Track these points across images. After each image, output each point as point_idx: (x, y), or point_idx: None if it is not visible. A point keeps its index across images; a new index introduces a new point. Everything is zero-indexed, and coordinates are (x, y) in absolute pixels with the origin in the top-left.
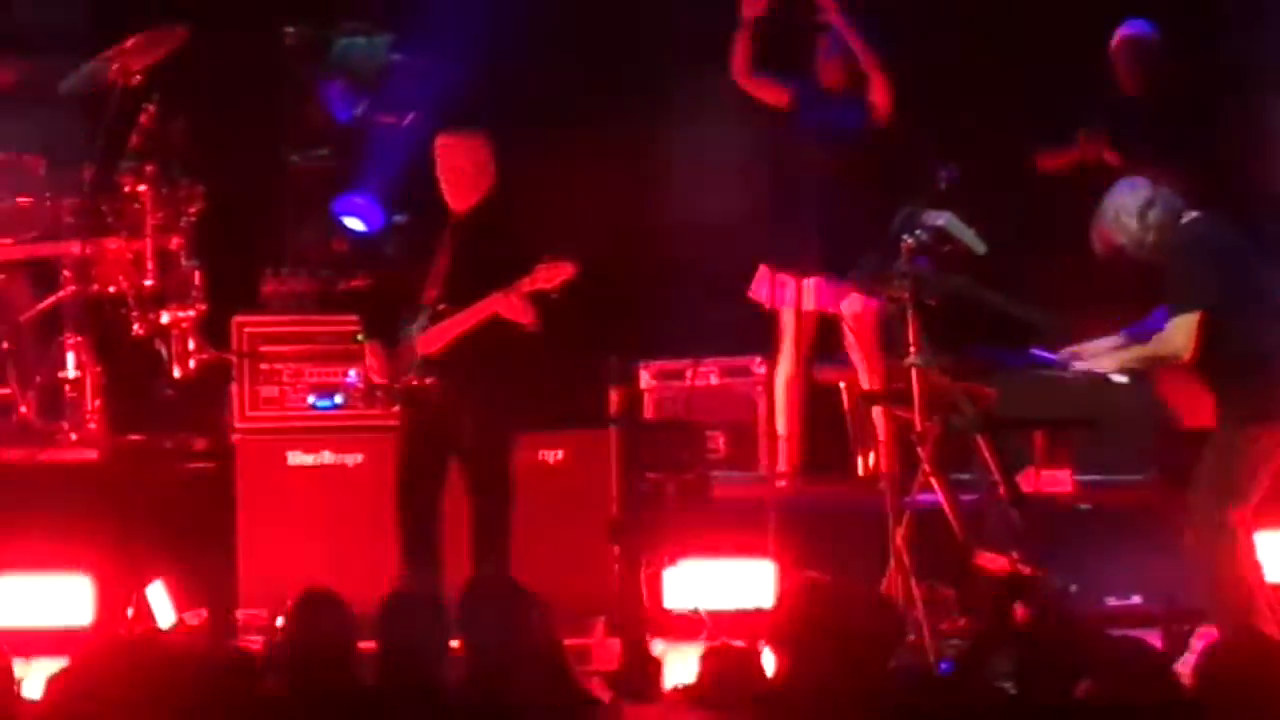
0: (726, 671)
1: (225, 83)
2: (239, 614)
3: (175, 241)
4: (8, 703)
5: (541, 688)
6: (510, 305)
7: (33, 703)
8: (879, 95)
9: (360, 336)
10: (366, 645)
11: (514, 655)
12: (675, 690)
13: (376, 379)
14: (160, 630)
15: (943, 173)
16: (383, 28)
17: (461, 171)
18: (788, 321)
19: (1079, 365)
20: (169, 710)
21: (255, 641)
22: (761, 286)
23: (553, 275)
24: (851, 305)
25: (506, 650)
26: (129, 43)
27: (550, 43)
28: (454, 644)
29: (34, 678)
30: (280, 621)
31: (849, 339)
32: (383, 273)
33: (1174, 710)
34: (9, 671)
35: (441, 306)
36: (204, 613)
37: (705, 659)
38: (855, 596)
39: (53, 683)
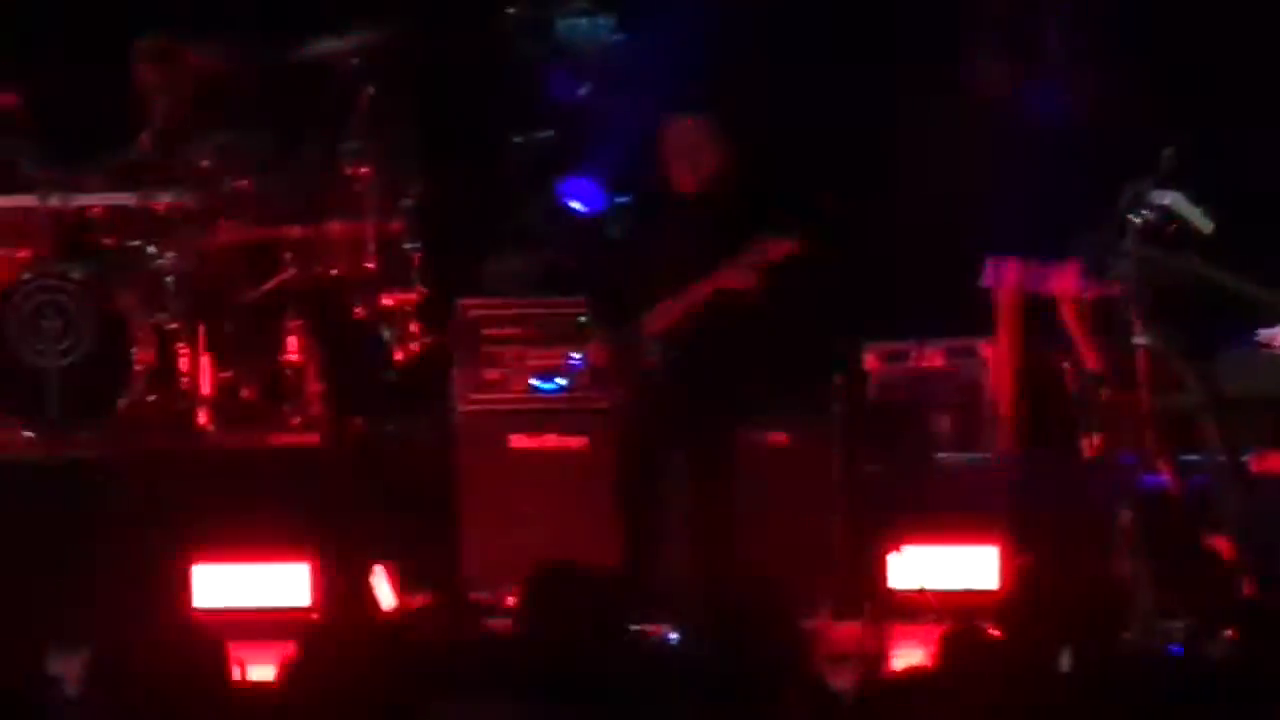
0: (965, 654)
1: (447, 64)
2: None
3: (396, 224)
4: (221, 685)
5: (779, 675)
6: (734, 277)
7: (262, 684)
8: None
9: (584, 319)
10: None
11: (752, 642)
12: (908, 671)
13: (603, 360)
14: (384, 613)
15: (1168, 151)
16: (606, 7)
17: (687, 153)
18: (1004, 302)
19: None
20: (398, 693)
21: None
22: (985, 268)
23: (777, 249)
24: (1064, 285)
25: (744, 637)
26: (352, 26)
27: (773, 21)
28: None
29: (258, 661)
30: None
31: (1067, 319)
32: (607, 254)
33: None
34: (223, 655)
35: (668, 286)
36: (427, 597)
37: (944, 641)
38: (1082, 578)
39: (287, 667)
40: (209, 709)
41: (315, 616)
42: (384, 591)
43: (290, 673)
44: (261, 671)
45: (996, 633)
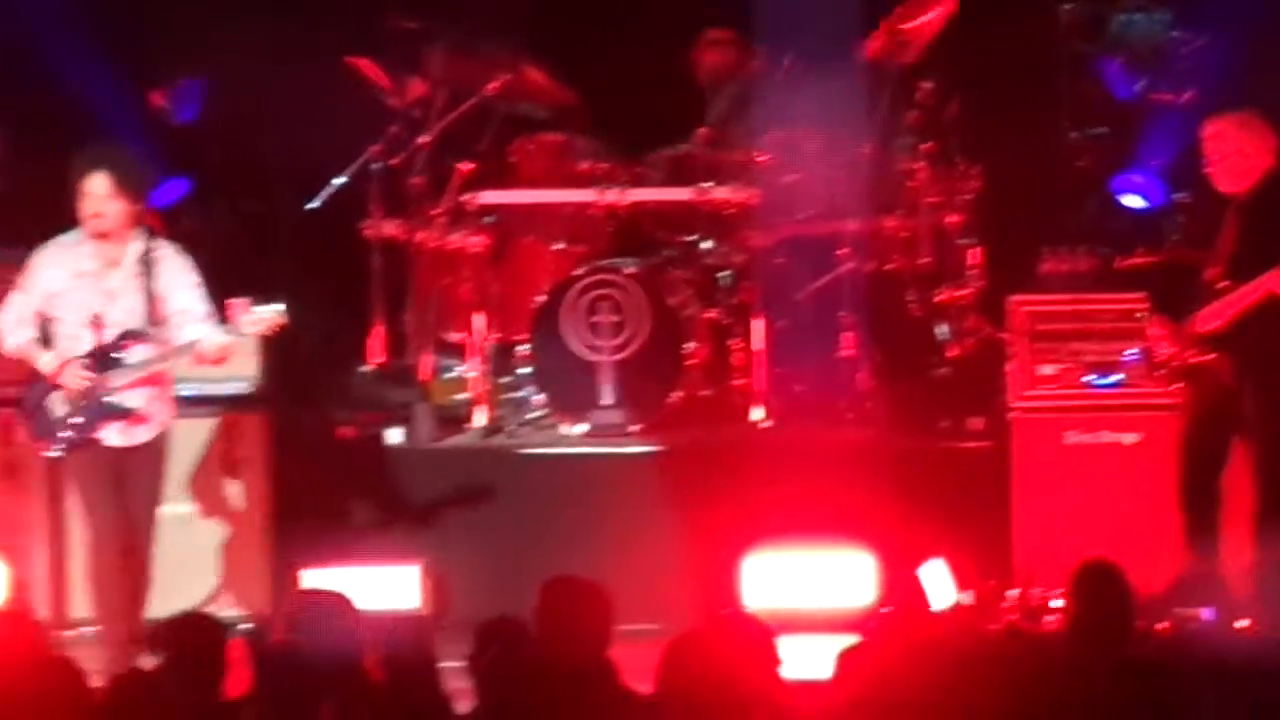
0: None
1: (1002, 60)
2: (1013, 593)
3: (952, 220)
4: (768, 682)
5: None
6: None
7: (821, 681)
8: None
9: (1141, 314)
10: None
11: None
12: None
13: (1163, 353)
14: (934, 609)
15: None
16: (1161, 3)
17: (1230, 154)
18: None
19: None
20: (945, 692)
21: (1031, 620)
22: None
23: None
24: None
25: None
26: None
27: None
28: None
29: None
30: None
31: None
32: (1166, 250)
33: None
34: (771, 652)
35: (1222, 284)
36: (976, 592)
37: None
38: None
39: (845, 659)
40: (762, 704)
41: (883, 611)
42: (939, 587)
43: (849, 664)
44: (813, 665)
45: None
